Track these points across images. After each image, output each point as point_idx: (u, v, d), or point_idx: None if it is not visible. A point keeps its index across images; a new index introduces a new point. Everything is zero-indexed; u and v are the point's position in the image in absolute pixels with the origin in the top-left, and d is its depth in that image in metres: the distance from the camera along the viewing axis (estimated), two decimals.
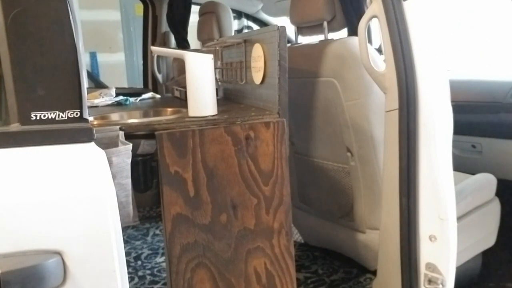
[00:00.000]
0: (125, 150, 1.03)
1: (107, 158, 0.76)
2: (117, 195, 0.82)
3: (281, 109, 1.14)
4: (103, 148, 0.77)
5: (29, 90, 0.68)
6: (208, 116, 1.13)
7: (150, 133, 1.06)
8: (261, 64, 1.21)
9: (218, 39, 1.87)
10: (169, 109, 1.46)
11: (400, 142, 1.19)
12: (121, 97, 1.83)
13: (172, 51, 1.63)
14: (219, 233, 1.08)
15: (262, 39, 1.22)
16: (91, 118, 1.25)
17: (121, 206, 1.07)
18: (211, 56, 1.14)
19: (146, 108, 1.68)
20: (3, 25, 0.66)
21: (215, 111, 1.16)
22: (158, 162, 1.04)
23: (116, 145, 1.04)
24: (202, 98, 1.14)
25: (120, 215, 0.85)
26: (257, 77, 1.25)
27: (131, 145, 1.04)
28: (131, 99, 1.87)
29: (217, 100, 1.20)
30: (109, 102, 1.79)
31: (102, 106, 1.73)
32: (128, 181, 1.05)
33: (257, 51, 1.24)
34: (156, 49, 1.49)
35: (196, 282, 1.08)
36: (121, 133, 1.05)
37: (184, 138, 1.03)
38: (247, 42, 1.33)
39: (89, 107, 1.65)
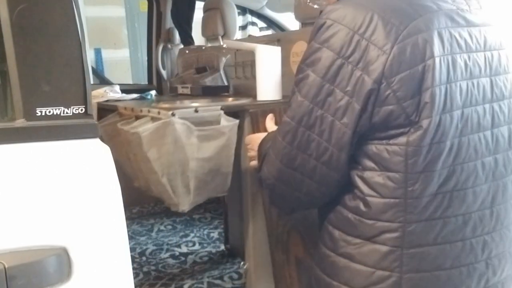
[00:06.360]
0: (235, 126, 1.26)
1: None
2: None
3: None
4: (206, 126, 0.95)
5: (34, 86, 0.68)
6: (276, 99, 1.35)
7: (233, 112, 1.29)
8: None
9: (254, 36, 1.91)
10: (230, 98, 1.68)
11: None
12: (145, 93, 2.06)
13: (243, 44, 1.62)
14: None
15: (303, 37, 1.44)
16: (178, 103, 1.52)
17: (223, 176, 1.33)
18: (279, 48, 1.34)
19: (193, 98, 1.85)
20: (8, 21, 0.66)
21: (281, 95, 1.37)
22: None
23: (218, 123, 1.25)
24: (271, 84, 1.34)
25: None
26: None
27: (238, 120, 1.26)
28: (153, 94, 2.07)
29: None
30: (133, 97, 1.99)
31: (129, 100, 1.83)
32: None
33: (300, 47, 1.46)
34: (228, 42, 1.69)
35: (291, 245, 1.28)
36: (222, 112, 1.25)
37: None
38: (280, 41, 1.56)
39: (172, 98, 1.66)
